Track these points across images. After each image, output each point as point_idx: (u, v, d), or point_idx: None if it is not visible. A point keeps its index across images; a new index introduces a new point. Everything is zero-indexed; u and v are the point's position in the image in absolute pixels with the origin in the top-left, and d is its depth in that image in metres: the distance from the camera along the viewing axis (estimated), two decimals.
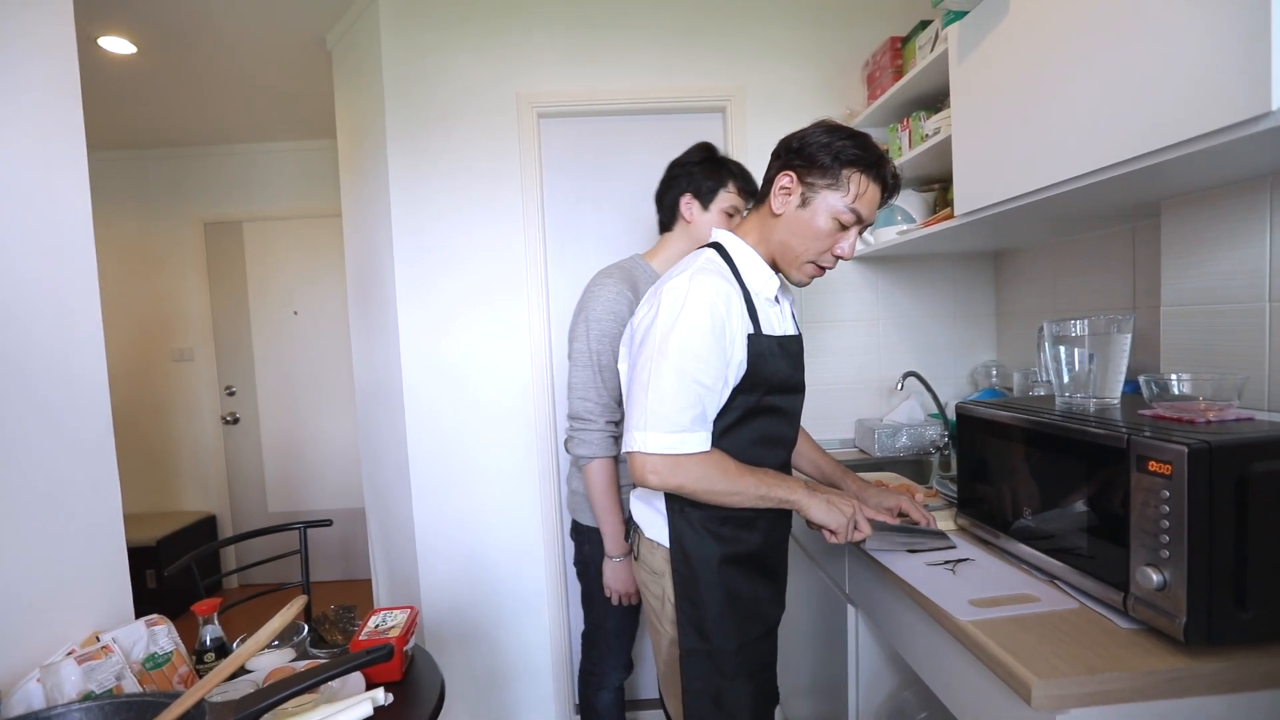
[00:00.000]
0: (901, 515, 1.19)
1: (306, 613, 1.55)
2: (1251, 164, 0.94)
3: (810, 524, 1.03)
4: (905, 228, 1.72)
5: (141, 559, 3.01)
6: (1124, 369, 1.04)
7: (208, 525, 3.44)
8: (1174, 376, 0.95)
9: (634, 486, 1.11)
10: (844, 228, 1.02)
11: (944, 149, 1.50)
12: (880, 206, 1.08)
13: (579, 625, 2.11)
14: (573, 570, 1.60)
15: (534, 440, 2.05)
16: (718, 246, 1.09)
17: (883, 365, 2.09)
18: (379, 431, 2.25)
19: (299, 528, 2.06)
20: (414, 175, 2.00)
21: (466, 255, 2.02)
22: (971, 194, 1.32)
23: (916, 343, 2.09)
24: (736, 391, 1.01)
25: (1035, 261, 1.88)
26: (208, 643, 1.14)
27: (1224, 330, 1.10)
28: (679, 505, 1.03)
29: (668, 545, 1.07)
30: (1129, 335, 1.02)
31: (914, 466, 1.87)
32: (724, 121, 2.03)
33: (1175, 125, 0.83)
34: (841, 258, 1.05)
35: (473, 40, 1.99)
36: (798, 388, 1.12)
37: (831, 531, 1.02)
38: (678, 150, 1.45)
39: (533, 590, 2.08)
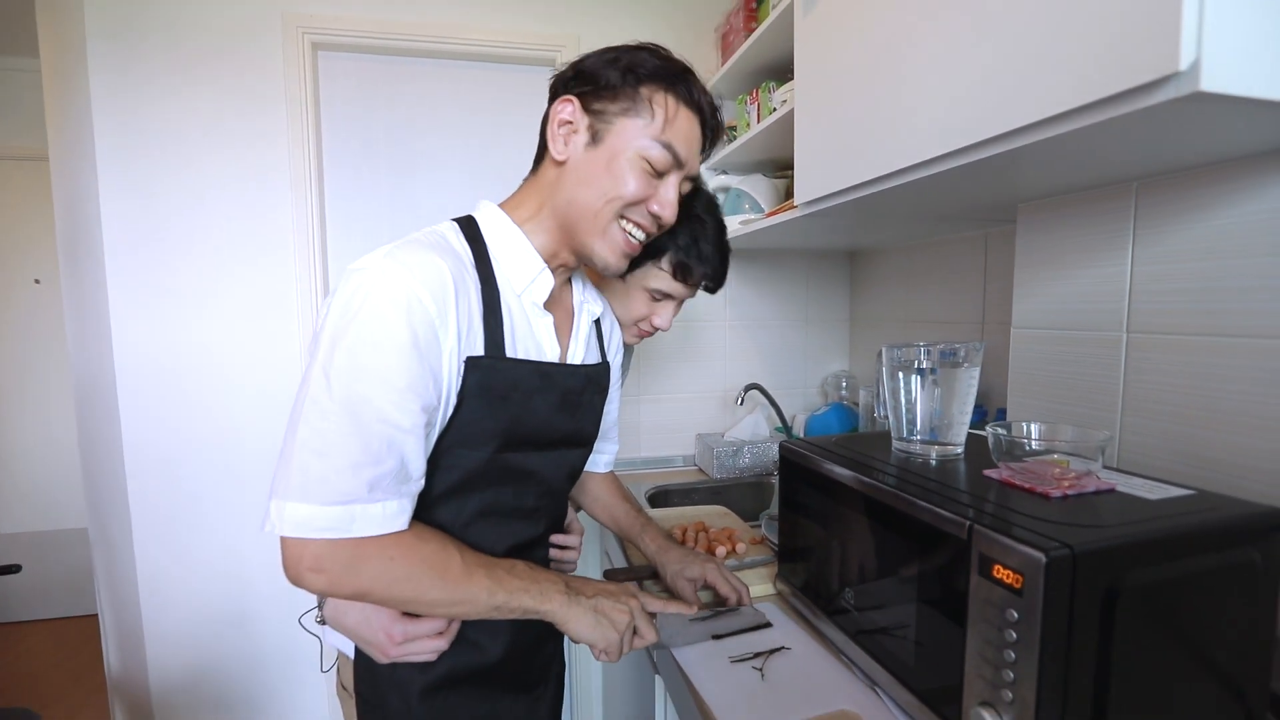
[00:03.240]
0: (708, 587, 0.94)
1: None
2: (1120, 159, 0.75)
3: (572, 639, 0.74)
4: (751, 217, 1.48)
5: None
6: (970, 409, 0.83)
7: None
8: (1026, 427, 0.75)
9: None
10: (658, 173, 0.71)
11: (792, 126, 1.26)
12: (705, 151, 0.78)
13: None
14: None
15: None
16: (468, 221, 0.76)
17: (729, 372, 1.86)
18: (94, 441, 1.72)
19: None
20: (128, 108, 1.48)
21: (208, 220, 1.55)
22: (812, 180, 1.08)
23: (766, 348, 1.89)
24: (450, 443, 0.69)
25: (889, 265, 1.73)
26: None
27: (1075, 361, 0.94)
28: None
29: (353, 656, 0.74)
30: (978, 369, 0.81)
31: (755, 490, 1.66)
32: None
33: (1044, 97, 0.61)
34: (660, 218, 0.74)
35: None
36: (567, 440, 0.80)
37: (602, 650, 0.72)
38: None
39: (311, 654, 1.67)
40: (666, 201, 0.73)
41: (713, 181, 1.65)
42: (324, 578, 0.59)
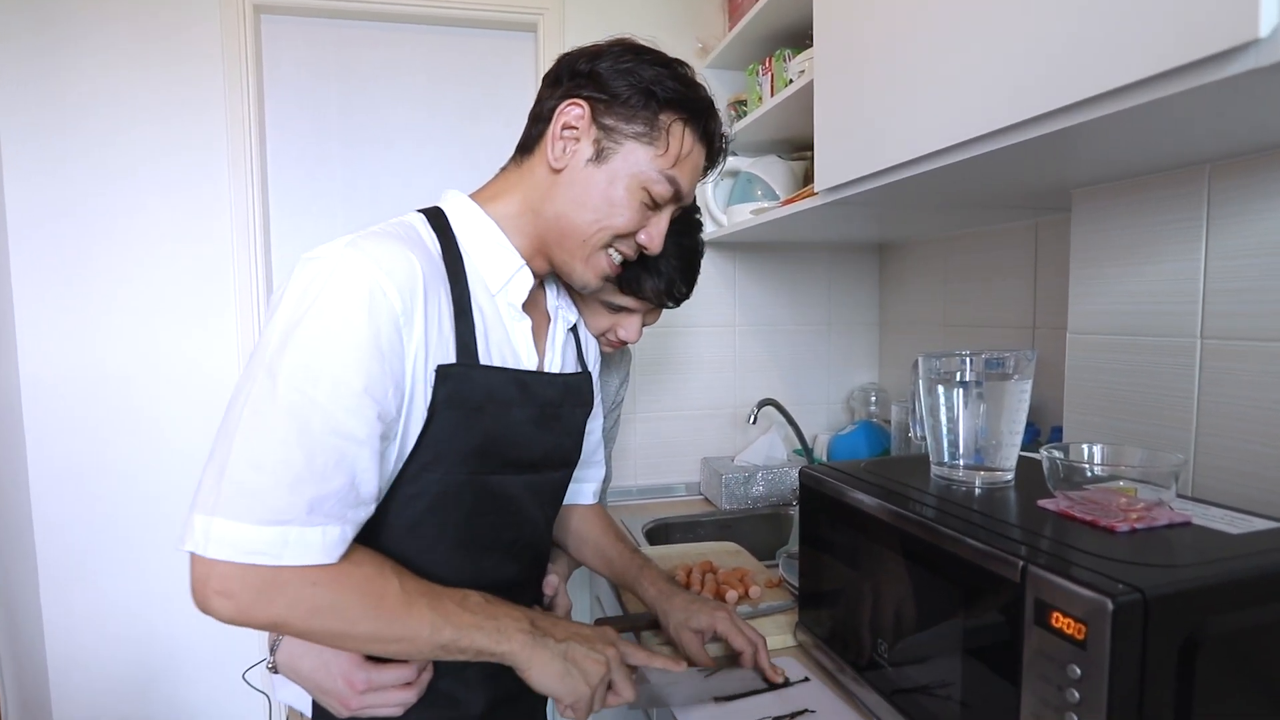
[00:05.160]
0: (718, 639, 0.93)
1: None
2: (1192, 138, 0.76)
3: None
4: (764, 205, 1.49)
5: None
6: (1021, 428, 0.83)
7: None
8: (1087, 450, 0.75)
9: None
10: (656, 206, 0.77)
11: (811, 101, 1.27)
12: (702, 178, 0.84)
13: None
14: None
15: None
16: (435, 213, 0.77)
17: (739, 386, 1.87)
18: None
19: None
20: (39, 74, 1.49)
21: (131, 203, 1.55)
22: (835, 163, 1.08)
23: (783, 357, 1.89)
24: (420, 465, 0.69)
25: (925, 259, 1.74)
26: None
27: (1142, 372, 0.94)
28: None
29: (309, 714, 0.74)
30: (1030, 381, 0.81)
31: (771, 523, 1.66)
32: (535, 44, 1.70)
33: (1105, 67, 0.61)
34: (646, 249, 0.80)
35: None
36: (546, 460, 0.81)
37: (568, 705, 0.71)
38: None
39: (255, 716, 1.65)
40: (656, 234, 0.78)
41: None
42: (232, 603, 0.57)
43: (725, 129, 0.83)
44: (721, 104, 1.71)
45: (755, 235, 1.63)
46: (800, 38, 1.45)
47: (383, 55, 1.70)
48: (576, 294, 0.97)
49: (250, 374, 0.61)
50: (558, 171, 0.75)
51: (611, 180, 0.74)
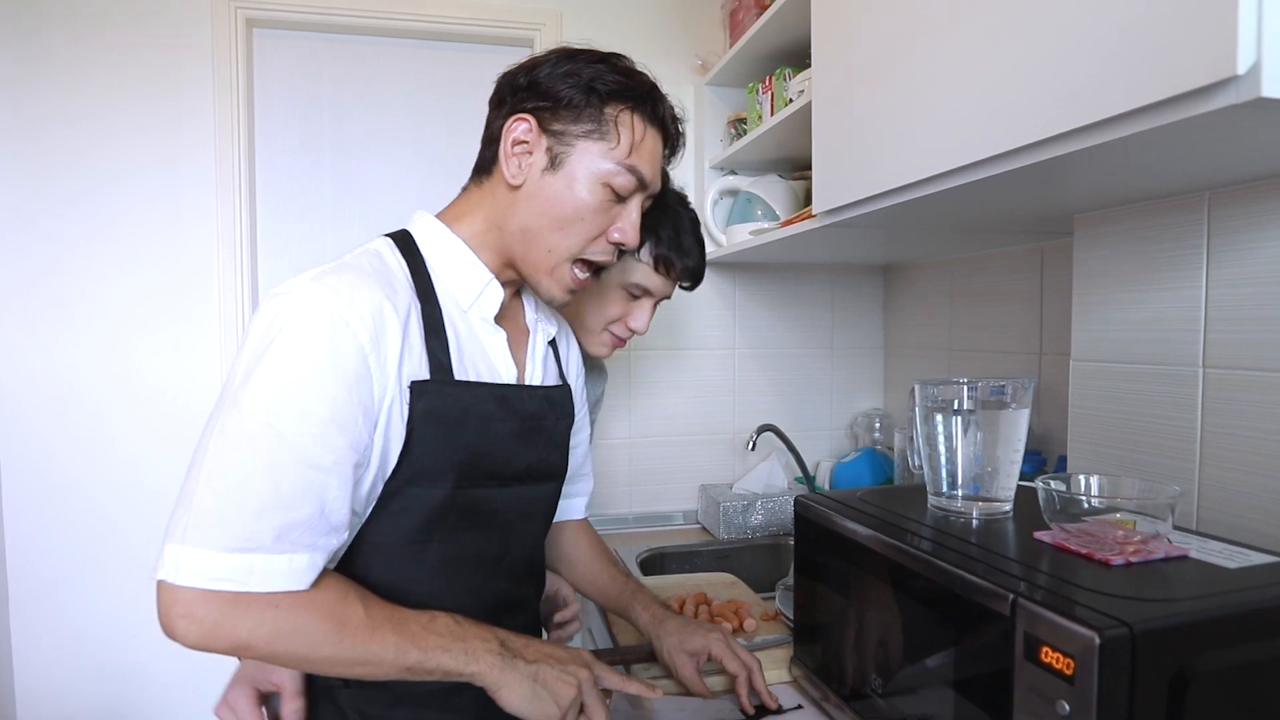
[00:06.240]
0: (712, 661, 0.95)
1: None
2: (1186, 167, 0.79)
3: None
4: (764, 226, 1.52)
5: None
6: (1019, 458, 0.85)
7: None
8: (1084, 481, 0.77)
9: None
10: (620, 198, 0.80)
11: (810, 121, 1.31)
12: (666, 164, 0.88)
13: None
14: None
15: None
16: (403, 236, 0.82)
17: (739, 410, 1.89)
18: None
19: None
20: (21, 97, 1.53)
21: (113, 216, 1.59)
22: (833, 186, 1.12)
23: (784, 381, 1.92)
24: (402, 481, 0.72)
25: (930, 282, 1.77)
26: None
27: (1145, 402, 0.96)
28: (324, 678, 0.76)
29: None
30: (1028, 410, 0.84)
31: (769, 554, 1.67)
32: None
33: (1095, 98, 0.64)
34: (623, 245, 0.83)
35: None
36: (531, 473, 0.84)
37: None
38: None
39: None
40: (628, 227, 0.81)
41: (719, 183, 1.70)
42: (197, 626, 0.60)
43: (677, 110, 0.86)
44: (721, 122, 1.77)
45: (755, 256, 1.66)
46: (801, 56, 1.49)
47: (377, 69, 1.74)
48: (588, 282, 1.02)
49: (218, 407, 0.65)
50: (517, 188, 0.79)
51: (570, 183, 0.77)
